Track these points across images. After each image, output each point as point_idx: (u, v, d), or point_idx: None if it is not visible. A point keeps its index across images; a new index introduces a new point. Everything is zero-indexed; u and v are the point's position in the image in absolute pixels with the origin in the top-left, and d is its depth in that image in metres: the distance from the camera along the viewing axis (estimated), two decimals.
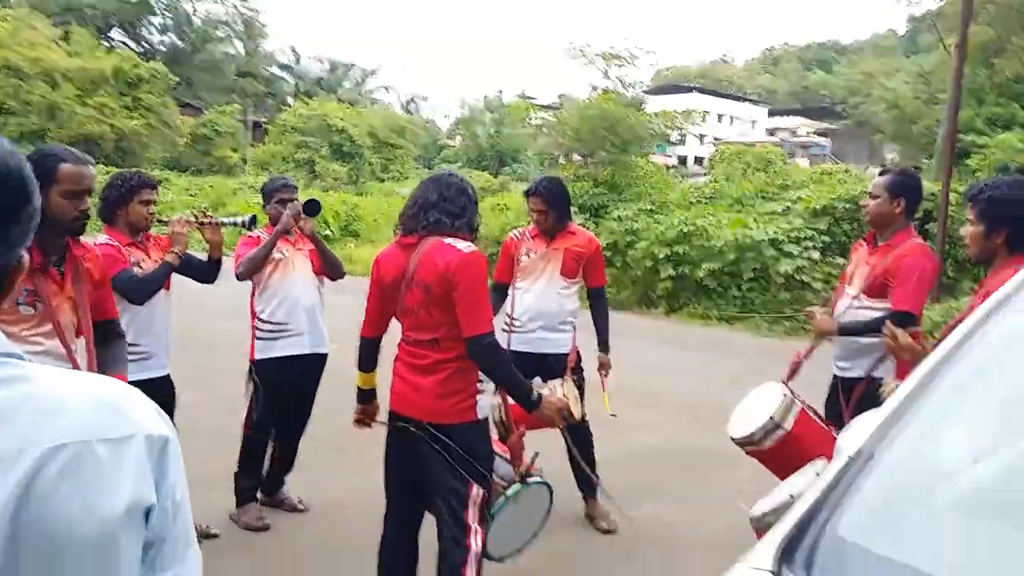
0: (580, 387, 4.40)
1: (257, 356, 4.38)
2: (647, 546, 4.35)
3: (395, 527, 3.27)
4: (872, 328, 3.63)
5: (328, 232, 19.43)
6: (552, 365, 4.36)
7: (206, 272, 4.15)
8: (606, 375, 4.58)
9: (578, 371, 4.48)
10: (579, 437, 4.50)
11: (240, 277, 4.30)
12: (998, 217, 3.09)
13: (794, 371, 3.87)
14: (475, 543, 3.00)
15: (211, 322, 8.91)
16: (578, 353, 4.52)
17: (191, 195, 23.75)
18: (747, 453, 3.74)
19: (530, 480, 3.21)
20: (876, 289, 3.71)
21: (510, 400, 4.18)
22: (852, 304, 3.78)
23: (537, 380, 4.30)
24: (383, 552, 3.28)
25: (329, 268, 4.53)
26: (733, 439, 3.70)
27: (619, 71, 16.24)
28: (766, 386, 3.81)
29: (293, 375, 4.39)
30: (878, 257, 3.76)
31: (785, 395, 3.62)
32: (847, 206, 12.71)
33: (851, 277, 3.91)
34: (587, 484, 4.59)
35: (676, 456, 5.86)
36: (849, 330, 3.71)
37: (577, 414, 4.21)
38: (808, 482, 2.69)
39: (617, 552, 4.29)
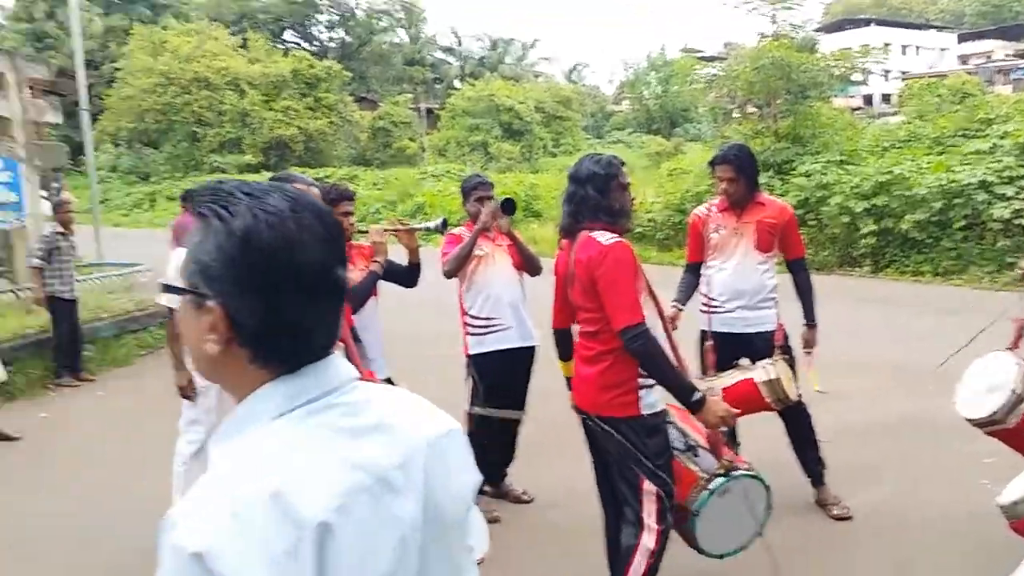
0: (791, 365, 4.21)
1: (471, 351, 4.49)
2: (874, 533, 4.12)
3: (608, 512, 3.31)
4: None
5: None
6: (758, 345, 4.19)
7: (408, 277, 4.29)
8: (811, 351, 4.36)
9: (786, 348, 4.27)
10: (797, 419, 4.33)
11: (448, 275, 4.45)
12: None
13: (1020, 336, 3.53)
14: (647, 540, 2.98)
15: (413, 318, 9.22)
16: (784, 330, 4.32)
17: (378, 188, 24.72)
18: (987, 433, 3.46)
19: (735, 473, 3.08)
20: None
21: (722, 384, 4.09)
22: None
23: (745, 361, 4.17)
24: (607, 534, 3.33)
25: (527, 264, 4.59)
26: (970, 420, 3.43)
27: (787, 13, 15.32)
28: (991, 357, 3.51)
29: (506, 368, 4.48)
30: None
31: (1020, 363, 3.32)
32: None
33: None
34: (813, 469, 4.40)
35: (898, 429, 5.51)
36: None
37: (793, 395, 4.05)
38: None
39: (844, 540, 4.08)
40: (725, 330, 4.28)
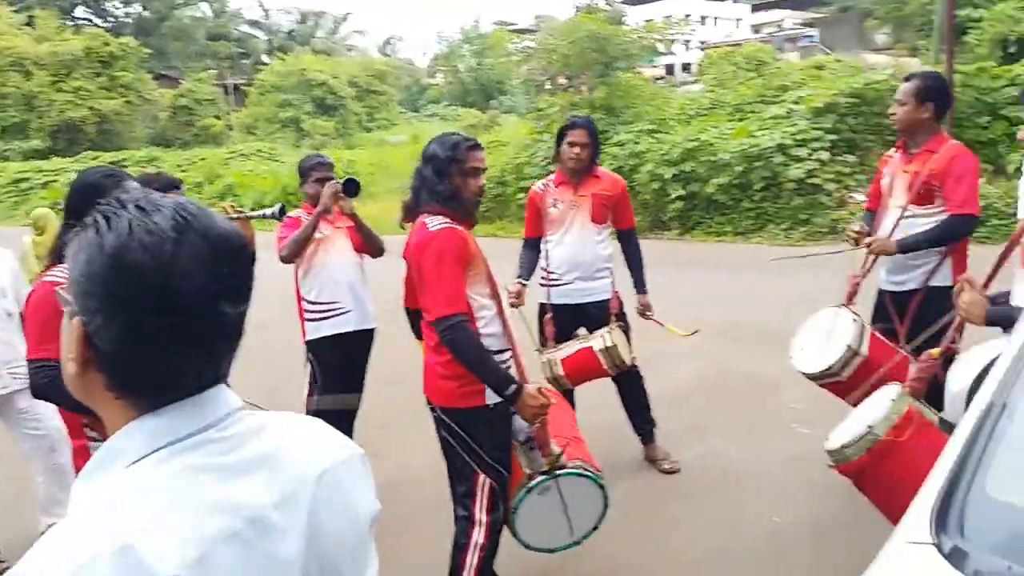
0: (626, 332, 4.36)
1: (309, 336, 4.38)
2: (706, 485, 4.35)
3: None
4: (936, 236, 3.56)
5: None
6: (594, 314, 4.32)
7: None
8: (651, 314, 4.52)
9: (622, 316, 4.42)
10: (631, 383, 4.49)
11: (284, 260, 4.24)
12: None
13: (853, 292, 3.80)
14: (477, 535, 2.95)
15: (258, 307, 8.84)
16: (619, 298, 4.46)
17: (183, 170, 23.38)
18: (820, 385, 3.69)
19: (560, 472, 2.98)
20: (924, 197, 3.62)
21: (561, 355, 4.17)
22: (903, 215, 3.69)
23: (582, 331, 4.27)
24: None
25: (369, 245, 4.46)
26: (805, 373, 3.64)
27: None
28: (826, 312, 3.74)
29: (345, 352, 4.37)
30: (919, 163, 3.65)
31: (855, 320, 3.56)
32: (850, 101, 12.47)
33: (890, 189, 3.80)
34: (643, 428, 4.59)
35: (722, 385, 5.83)
36: (910, 245, 3.61)
37: (628, 359, 4.20)
38: (885, 410, 2.62)
39: (677, 493, 4.29)
40: (564, 301, 4.38)
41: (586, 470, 3.04)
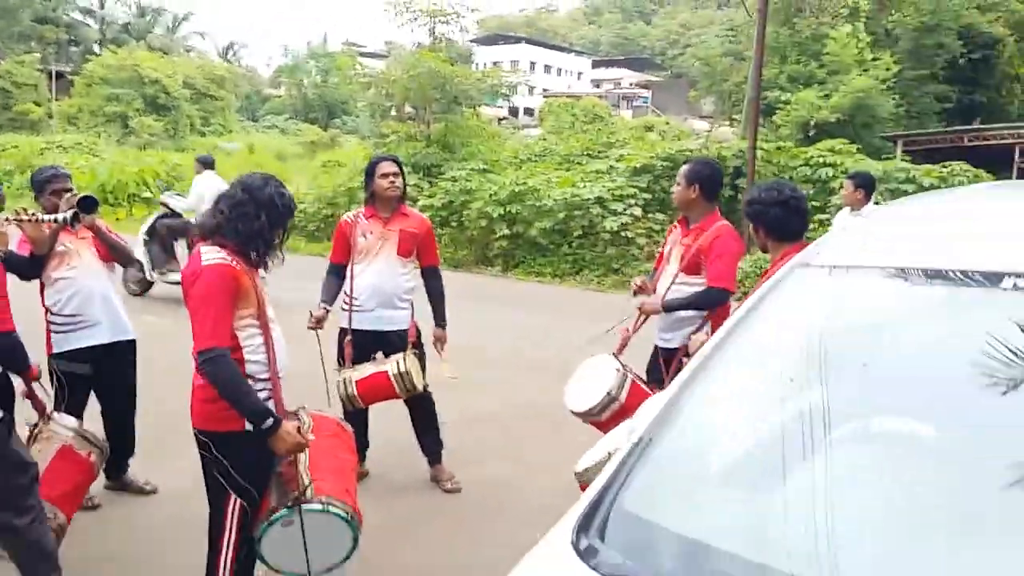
0: (421, 359, 4.66)
1: (55, 350, 4.30)
2: (481, 505, 4.67)
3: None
4: (693, 302, 4.08)
5: (149, 194, 18.54)
6: (394, 341, 4.58)
7: (30, 266, 4.04)
8: (443, 348, 4.83)
9: (419, 345, 4.73)
10: (422, 406, 4.77)
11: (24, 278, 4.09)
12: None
13: (624, 345, 4.27)
14: (225, 556, 3.07)
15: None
16: (417, 328, 4.75)
17: None
18: (584, 422, 4.11)
19: (306, 506, 3.01)
20: (692, 267, 4.14)
21: (357, 376, 4.40)
22: (674, 281, 4.19)
23: (379, 355, 4.52)
24: None
25: (115, 254, 4.45)
26: (573, 412, 4.05)
27: (444, 27, 16.23)
28: (599, 359, 4.17)
29: (97, 365, 4.33)
30: (692, 238, 4.18)
31: (618, 369, 4.01)
32: (664, 164, 13.49)
33: (668, 257, 4.32)
34: (431, 449, 4.87)
35: (515, 416, 6.21)
36: (673, 306, 4.11)
37: (420, 385, 4.48)
38: (621, 439, 3.04)
39: (455, 512, 4.59)
40: (365, 327, 4.62)
41: (334, 505, 3.04)
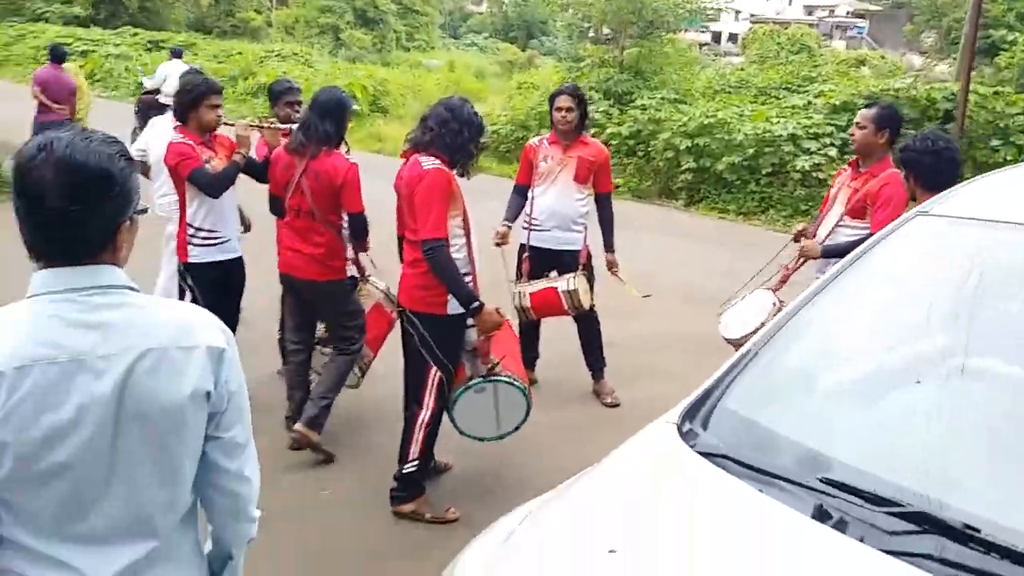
0: (590, 280, 5.01)
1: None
2: (642, 419, 4.96)
3: (408, 396, 3.94)
4: (852, 250, 4.13)
5: (356, 107, 19.57)
6: (567, 261, 4.94)
7: (263, 171, 4.63)
8: (617, 271, 5.11)
9: (588, 267, 5.07)
10: (589, 325, 5.12)
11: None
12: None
13: (784, 281, 4.40)
14: (424, 416, 3.69)
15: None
16: (589, 251, 5.08)
17: (219, 62, 23.72)
18: (736, 350, 4.31)
19: (494, 377, 3.70)
20: (857, 211, 4.19)
21: (531, 289, 4.78)
22: (838, 223, 4.25)
23: (553, 273, 4.88)
24: (405, 414, 3.97)
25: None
26: (726, 338, 4.26)
27: None
28: (758, 293, 4.34)
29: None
30: (861, 182, 4.21)
31: (775, 303, 4.16)
32: (866, 102, 12.83)
33: (834, 199, 4.36)
34: (595, 365, 5.22)
35: (675, 340, 6.44)
36: (832, 252, 4.18)
37: (586, 304, 4.82)
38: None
39: (610, 423, 4.93)
40: (541, 245, 5.00)
41: (516, 381, 3.76)
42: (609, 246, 5.12)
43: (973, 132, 12.47)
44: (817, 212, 4.93)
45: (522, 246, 5.08)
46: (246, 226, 5.02)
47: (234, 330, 4.06)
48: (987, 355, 1.78)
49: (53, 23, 29.10)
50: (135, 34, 27.83)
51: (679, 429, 1.91)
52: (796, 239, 4.46)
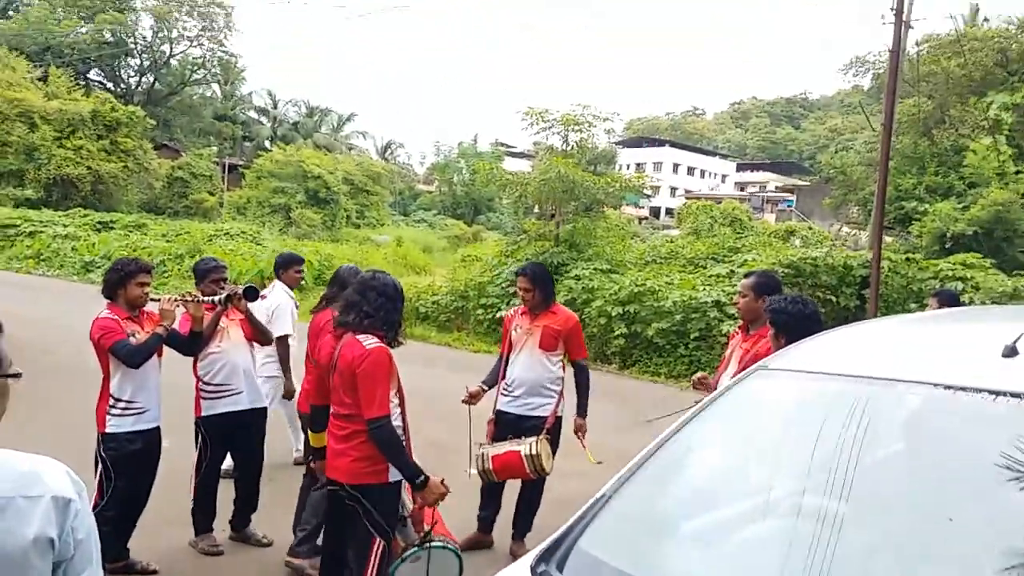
0: (554, 446, 5.15)
1: (204, 413, 5.06)
2: None
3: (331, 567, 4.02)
4: None
5: (303, 282, 19.97)
6: (532, 425, 5.10)
7: (189, 344, 4.84)
8: (583, 436, 5.29)
9: (554, 432, 5.19)
10: (534, 486, 5.24)
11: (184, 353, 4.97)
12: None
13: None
14: None
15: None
16: (557, 417, 5.24)
17: (167, 241, 24.24)
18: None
19: (429, 544, 3.74)
20: None
21: (493, 452, 4.90)
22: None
23: (512, 437, 5.01)
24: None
25: (258, 335, 5.29)
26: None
27: (578, 136, 17.03)
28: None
29: (237, 428, 5.11)
30: (751, 343, 4.55)
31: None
32: (786, 271, 13.59)
33: (729, 359, 4.69)
34: (522, 528, 5.30)
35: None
36: None
37: (548, 468, 4.98)
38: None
39: None
40: (507, 410, 5.22)
41: (448, 544, 3.84)
42: (582, 410, 5.31)
43: (888, 296, 13.25)
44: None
45: (494, 409, 5.29)
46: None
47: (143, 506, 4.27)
48: (818, 495, 1.96)
49: (4, 205, 29.55)
50: (85, 215, 28.40)
51: (533, 571, 2.05)
52: (695, 387, 4.74)
